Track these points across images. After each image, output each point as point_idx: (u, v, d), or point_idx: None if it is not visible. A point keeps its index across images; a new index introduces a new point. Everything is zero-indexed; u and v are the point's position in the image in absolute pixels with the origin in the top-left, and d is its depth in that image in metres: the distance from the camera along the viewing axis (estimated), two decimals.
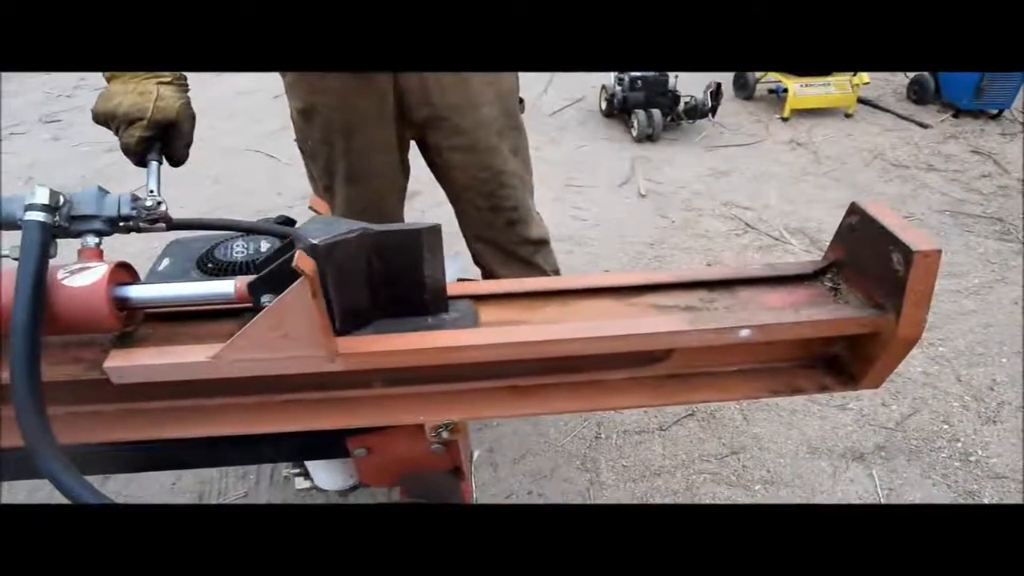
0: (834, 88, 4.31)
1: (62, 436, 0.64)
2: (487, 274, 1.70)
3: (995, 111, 4.24)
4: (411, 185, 1.63)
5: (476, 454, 1.88)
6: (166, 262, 1.00)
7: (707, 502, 1.75)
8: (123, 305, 0.75)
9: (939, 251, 0.70)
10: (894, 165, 3.72)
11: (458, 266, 2.62)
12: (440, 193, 1.62)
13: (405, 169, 1.57)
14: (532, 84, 4.89)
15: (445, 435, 0.88)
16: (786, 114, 4.33)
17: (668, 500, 1.75)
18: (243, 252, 0.98)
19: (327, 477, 1.11)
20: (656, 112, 4.00)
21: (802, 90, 4.29)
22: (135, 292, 0.75)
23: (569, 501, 1.76)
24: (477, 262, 1.70)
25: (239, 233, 1.02)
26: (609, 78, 4.36)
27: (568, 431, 1.97)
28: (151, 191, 0.92)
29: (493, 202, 1.54)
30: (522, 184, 1.57)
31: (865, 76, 4.34)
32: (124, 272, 0.77)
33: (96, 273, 0.72)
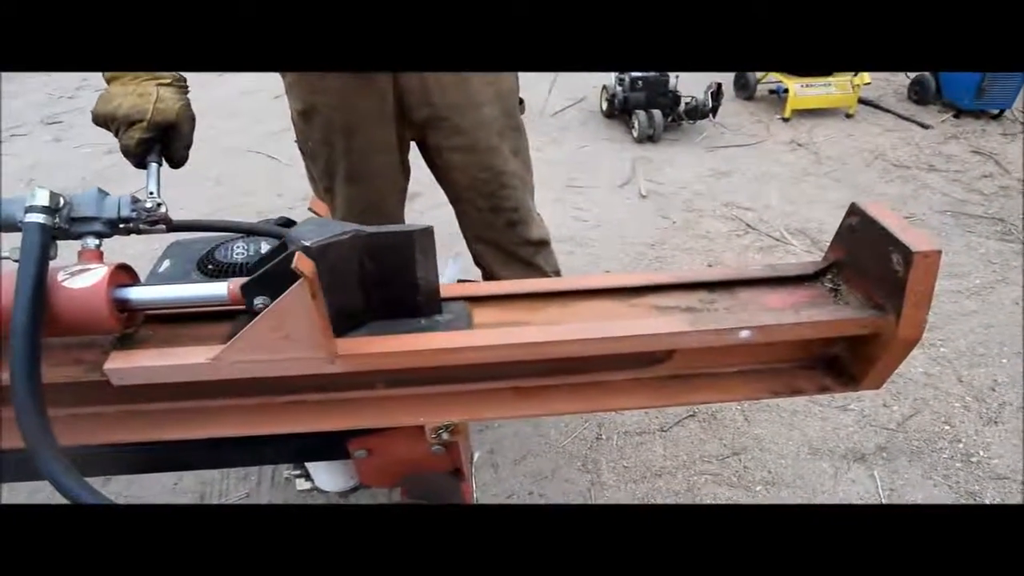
0: (835, 88, 4.31)
1: (63, 438, 0.64)
2: (488, 275, 1.70)
3: (996, 111, 4.24)
4: (412, 186, 1.63)
5: (477, 455, 1.88)
6: (166, 264, 1.00)
7: (708, 503, 1.74)
8: (123, 307, 0.75)
9: (939, 252, 0.70)
10: (895, 165, 3.71)
11: (459, 267, 2.62)
12: (441, 194, 1.62)
13: (405, 170, 1.57)
14: (537, 85, 4.89)
15: (445, 436, 0.88)
16: (787, 114, 4.33)
17: (669, 501, 1.75)
18: (243, 254, 0.99)
19: (328, 478, 1.11)
20: (657, 113, 4.00)
21: (803, 90, 4.28)
22: (135, 294, 0.75)
23: (570, 502, 1.76)
24: (478, 263, 1.70)
25: (239, 235, 1.02)
26: (610, 78, 4.36)
27: (569, 432, 1.97)
28: (151, 193, 0.92)
29: (494, 203, 1.54)
30: (523, 185, 1.57)
31: (866, 76, 4.34)
32: (124, 274, 0.77)
33: (96, 275, 0.72)
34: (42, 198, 0.75)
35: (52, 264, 0.73)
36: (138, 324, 0.82)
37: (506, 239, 1.61)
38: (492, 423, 1.98)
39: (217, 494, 1.81)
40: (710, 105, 4.04)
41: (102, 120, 1.00)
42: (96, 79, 1.05)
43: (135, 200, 0.87)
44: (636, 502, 1.75)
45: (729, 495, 1.77)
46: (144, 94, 0.98)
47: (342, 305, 0.77)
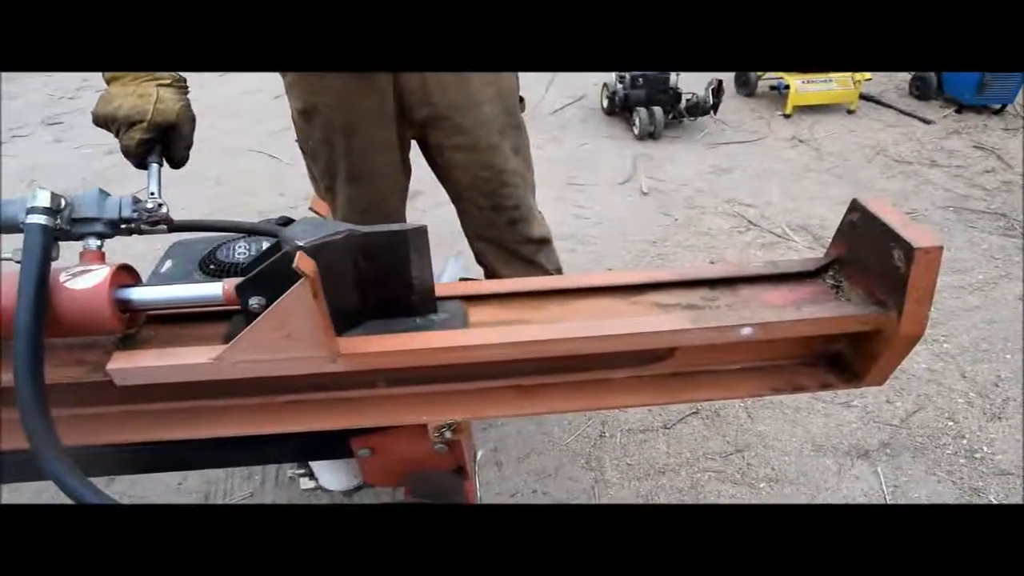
0: (836, 84, 4.30)
1: (66, 438, 0.65)
2: (489, 273, 1.70)
3: (998, 106, 4.23)
4: (413, 185, 1.63)
5: (480, 453, 1.88)
6: (168, 264, 1.00)
7: (712, 500, 1.75)
8: (125, 307, 0.75)
9: (940, 247, 0.70)
10: (897, 161, 3.70)
11: (460, 266, 2.62)
12: (442, 193, 1.62)
13: (406, 169, 1.57)
14: (536, 83, 4.89)
15: (448, 435, 0.88)
16: (788, 111, 4.32)
17: (673, 498, 1.75)
18: (245, 253, 0.99)
19: (332, 477, 1.11)
20: (658, 110, 3.99)
21: (804, 87, 4.27)
22: (137, 294, 0.76)
23: (574, 500, 1.76)
24: (479, 261, 1.70)
25: (241, 234, 1.02)
26: (610, 76, 4.35)
27: (572, 430, 1.97)
28: (152, 193, 0.93)
29: (495, 201, 1.54)
30: (523, 183, 1.57)
31: (867, 72, 4.33)
32: (126, 274, 0.77)
33: (98, 275, 0.72)
34: (43, 199, 0.75)
35: (54, 265, 0.73)
36: (140, 324, 0.82)
37: (507, 237, 1.61)
38: (495, 421, 1.98)
39: (221, 494, 1.81)
40: (711, 102, 4.04)
41: (102, 121, 1.00)
42: (97, 79, 1.05)
43: (136, 201, 0.87)
44: (640, 500, 1.75)
45: (733, 492, 1.77)
46: (144, 95, 0.98)
47: (337, 305, 0.77)
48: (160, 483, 1.82)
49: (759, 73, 4.68)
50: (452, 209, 1.63)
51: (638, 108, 4.03)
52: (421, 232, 0.78)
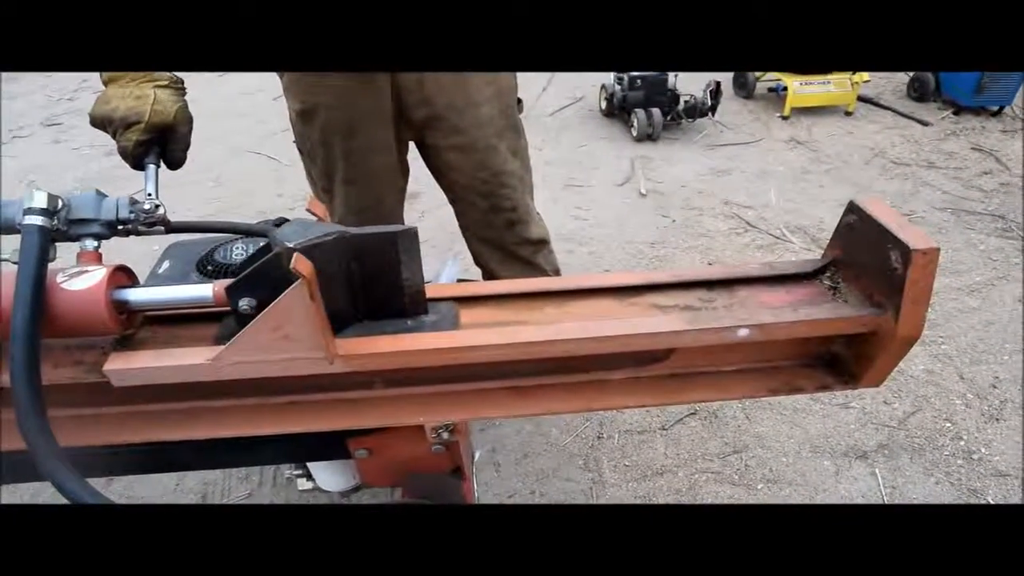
0: (834, 86, 4.30)
1: (63, 439, 0.65)
2: (488, 274, 1.70)
3: (996, 108, 4.23)
4: (412, 186, 1.63)
5: (478, 454, 1.88)
6: (166, 264, 1.00)
7: (710, 501, 1.75)
8: (122, 308, 0.75)
9: (937, 249, 0.70)
10: (895, 163, 3.71)
11: (458, 267, 2.63)
12: (441, 194, 1.62)
13: (404, 169, 1.57)
14: (535, 84, 4.89)
15: (446, 436, 0.88)
16: (786, 112, 4.32)
17: (671, 499, 1.75)
18: (243, 254, 0.99)
19: (329, 478, 1.11)
20: (656, 111, 4.00)
21: (802, 88, 4.28)
22: (134, 295, 0.76)
23: (571, 501, 1.76)
24: (478, 262, 1.70)
25: (238, 235, 1.02)
26: (609, 77, 4.36)
27: (570, 431, 1.97)
28: (149, 194, 0.93)
29: (492, 202, 1.54)
30: (521, 184, 1.57)
31: (865, 74, 4.33)
32: (123, 275, 0.77)
33: (95, 276, 0.72)
34: (40, 200, 0.75)
35: (51, 266, 0.73)
36: (138, 325, 0.82)
37: (505, 238, 1.61)
38: (493, 422, 1.98)
39: (219, 494, 1.81)
40: (709, 104, 4.04)
41: (99, 122, 1.00)
42: (95, 80, 1.05)
43: (133, 202, 0.87)
44: (638, 501, 1.75)
45: (731, 493, 1.77)
46: (141, 96, 0.98)
47: (328, 306, 0.77)
48: (158, 484, 1.82)
49: (757, 75, 4.68)
50: (451, 210, 1.63)
51: (636, 109, 4.04)
52: (411, 234, 0.78)
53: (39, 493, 1.75)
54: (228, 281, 0.74)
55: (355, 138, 1.41)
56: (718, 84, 4.03)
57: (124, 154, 0.99)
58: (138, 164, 1.00)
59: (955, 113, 4.28)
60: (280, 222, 1.03)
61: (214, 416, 0.83)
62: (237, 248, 1.00)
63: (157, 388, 0.76)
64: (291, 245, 0.71)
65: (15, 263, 0.71)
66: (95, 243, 0.82)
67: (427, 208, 3.16)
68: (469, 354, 0.76)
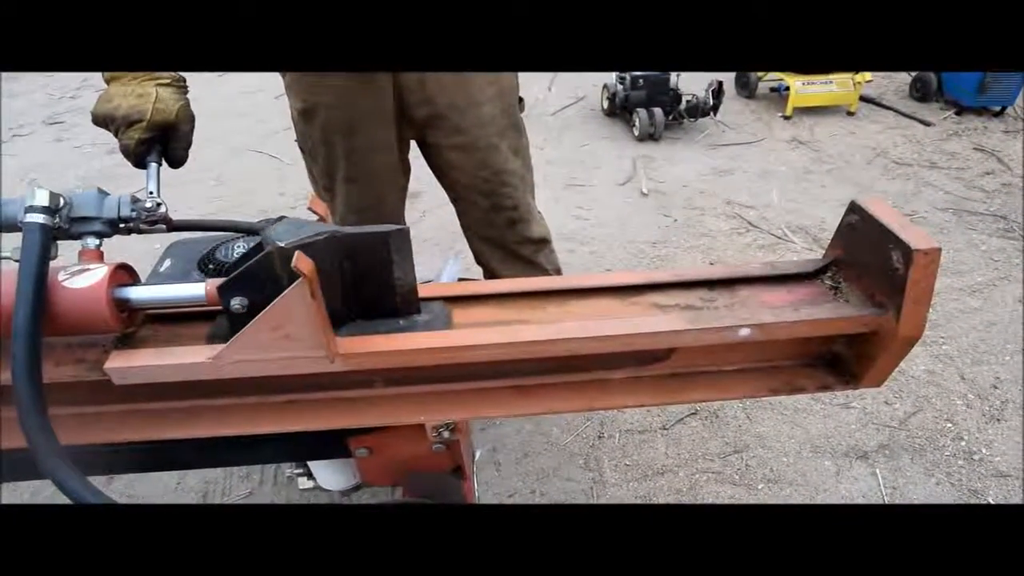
0: (836, 86, 4.30)
1: (64, 437, 0.65)
2: (489, 274, 1.70)
3: (998, 108, 4.22)
4: (414, 185, 1.63)
5: (479, 453, 1.88)
6: (168, 263, 1.00)
7: (710, 501, 1.74)
8: (123, 306, 0.75)
9: (939, 249, 0.70)
10: (897, 163, 3.70)
11: (459, 266, 2.63)
12: (443, 193, 1.62)
13: (405, 169, 1.57)
14: (536, 83, 4.89)
15: (446, 435, 0.88)
16: (788, 112, 4.32)
17: (671, 499, 1.75)
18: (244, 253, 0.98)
19: (330, 477, 1.11)
20: (658, 111, 3.99)
21: (804, 88, 4.27)
22: (135, 293, 0.76)
23: (572, 501, 1.76)
24: (479, 261, 1.70)
25: (240, 234, 1.02)
26: (610, 77, 4.35)
27: (571, 430, 1.97)
28: (151, 192, 0.93)
29: (494, 201, 1.54)
30: (523, 183, 1.57)
31: (867, 74, 4.33)
32: (124, 273, 0.77)
33: (96, 275, 0.72)
34: (42, 198, 0.75)
35: (52, 264, 0.73)
36: (139, 323, 0.82)
37: (507, 238, 1.61)
38: (493, 421, 1.98)
39: (220, 493, 1.81)
40: (711, 103, 4.04)
41: (101, 120, 1.00)
42: (97, 79, 1.05)
43: (135, 200, 0.87)
44: (638, 500, 1.75)
45: (731, 493, 1.77)
46: (143, 94, 0.98)
47: None
48: (159, 483, 1.82)
49: (759, 75, 4.68)
50: (452, 209, 1.63)
51: (638, 109, 4.03)
52: (403, 234, 0.78)
53: (39, 491, 1.75)
54: (220, 280, 0.74)
55: (356, 137, 1.41)
56: (720, 84, 4.03)
57: (126, 152, 0.99)
58: (140, 162, 1.00)
59: (957, 113, 4.27)
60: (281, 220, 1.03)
61: (215, 415, 0.83)
62: (239, 247, 1.00)
63: (158, 386, 0.76)
64: (282, 244, 0.71)
65: (17, 261, 0.71)
66: (96, 241, 0.83)
67: (428, 207, 3.16)
68: (471, 353, 0.76)
